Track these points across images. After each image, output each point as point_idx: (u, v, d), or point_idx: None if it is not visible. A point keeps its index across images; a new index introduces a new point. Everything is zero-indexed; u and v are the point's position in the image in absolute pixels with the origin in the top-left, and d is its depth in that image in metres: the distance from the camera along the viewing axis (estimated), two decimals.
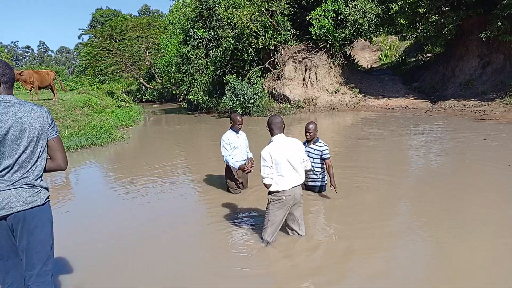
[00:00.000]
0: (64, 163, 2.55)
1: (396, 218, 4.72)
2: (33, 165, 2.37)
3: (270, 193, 3.94)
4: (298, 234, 4.13)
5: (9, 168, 2.29)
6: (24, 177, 2.34)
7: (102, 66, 37.79)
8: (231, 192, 5.95)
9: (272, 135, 3.97)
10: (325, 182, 5.67)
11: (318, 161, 5.50)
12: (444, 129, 11.27)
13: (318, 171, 5.55)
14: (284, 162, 3.81)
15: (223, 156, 5.81)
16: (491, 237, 4.00)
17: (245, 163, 5.81)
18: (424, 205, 5.01)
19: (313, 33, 18.27)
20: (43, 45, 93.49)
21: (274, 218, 3.94)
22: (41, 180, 2.44)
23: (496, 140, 8.97)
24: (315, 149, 5.49)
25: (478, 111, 13.53)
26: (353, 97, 18.76)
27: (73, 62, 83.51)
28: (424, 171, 7.09)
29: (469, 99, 15.34)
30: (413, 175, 6.77)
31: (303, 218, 4.17)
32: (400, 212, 4.97)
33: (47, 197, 2.48)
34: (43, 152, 2.42)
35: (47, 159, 2.48)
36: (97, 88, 30.50)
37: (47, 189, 2.50)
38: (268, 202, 3.97)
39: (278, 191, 3.85)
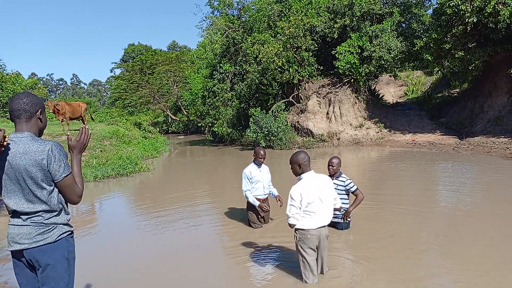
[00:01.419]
0: (75, 200, 2.46)
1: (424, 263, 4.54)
2: (45, 203, 2.36)
3: (296, 230, 3.82)
4: (322, 272, 3.99)
5: (22, 205, 2.34)
6: (37, 215, 2.37)
7: (131, 99, 39.11)
8: (252, 226, 5.89)
9: (299, 173, 3.81)
10: (349, 219, 5.56)
11: (342, 196, 5.40)
12: (473, 166, 10.94)
13: (343, 208, 5.43)
14: (316, 200, 3.69)
15: (243, 190, 5.81)
16: None
17: (265, 200, 5.80)
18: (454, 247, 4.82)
19: (338, 67, 18.43)
20: (76, 78, 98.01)
21: (302, 258, 3.80)
22: (58, 216, 2.43)
23: None
24: (338, 185, 5.42)
25: (508, 148, 13.11)
26: (377, 132, 18.58)
27: (104, 94, 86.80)
28: (451, 209, 6.85)
29: (498, 136, 14.91)
30: (441, 213, 6.54)
31: (327, 258, 4.04)
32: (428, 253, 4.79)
33: (64, 233, 2.46)
34: (50, 192, 2.38)
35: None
36: (125, 119, 31.42)
37: (67, 225, 2.49)
38: (295, 240, 3.84)
39: (303, 229, 3.72)
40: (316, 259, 3.92)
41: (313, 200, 3.66)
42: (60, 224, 2.45)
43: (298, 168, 3.80)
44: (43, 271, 2.39)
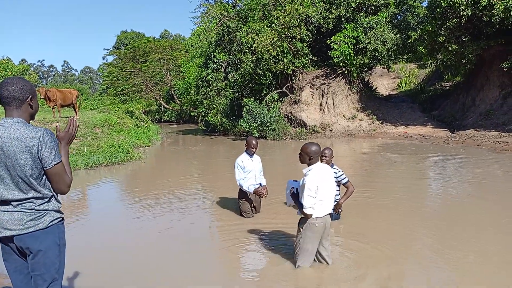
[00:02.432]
0: (64, 189, 2.45)
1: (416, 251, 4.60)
2: (35, 190, 2.36)
3: (302, 220, 3.90)
4: (327, 262, 4.05)
5: (13, 191, 2.33)
6: (28, 202, 2.36)
7: (124, 87, 38.72)
8: (244, 216, 5.91)
9: (310, 163, 3.87)
10: (340, 210, 5.60)
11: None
12: (463, 159, 11.06)
13: (335, 199, 5.47)
14: (326, 189, 3.81)
15: (237, 179, 5.81)
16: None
17: (259, 187, 5.79)
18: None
19: (333, 57, 18.38)
20: (67, 65, 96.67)
21: (305, 246, 3.89)
22: (49, 203, 2.43)
23: None
24: None
25: (498, 142, 13.25)
26: (370, 124, 18.66)
27: (96, 81, 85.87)
28: (442, 200, 6.93)
29: (489, 130, 15.06)
30: (431, 204, 6.62)
31: (330, 248, 4.12)
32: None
33: (55, 220, 2.46)
34: (41, 178, 2.37)
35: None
36: (117, 107, 31.18)
37: (58, 211, 2.49)
38: (299, 230, 3.92)
39: (312, 218, 3.80)
40: (323, 248, 4.03)
41: (323, 189, 3.78)
42: (51, 210, 2.44)
43: (308, 159, 3.87)
44: (34, 257, 2.38)
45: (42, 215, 2.39)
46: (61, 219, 2.52)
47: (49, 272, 2.42)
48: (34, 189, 2.35)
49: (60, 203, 2.52)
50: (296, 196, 3.97)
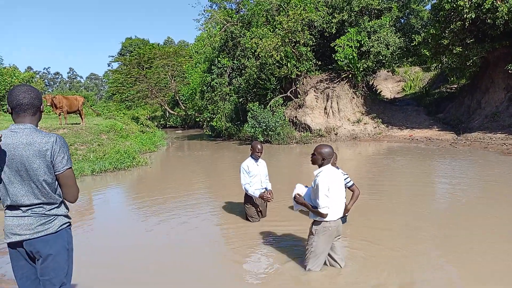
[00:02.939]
0: (73, 198, 2.50)
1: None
2: (47, 195, 2.38)
3: (315, 223, 3.92)
4: (340, 265, 4.06)
5: (23, 197, 2.35)
6: (39, 207, 2.38)
7: (129, 93, 39.02)
8: (249, 220, 5.92)
9: (322, 165, 3.92)
10: (347, 214, 5.59)
11: None
12: (470, 162, 11.00)
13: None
14: (337, 192, 3.85)
15: (242, 184, 5.84)
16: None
17: (264, 192, 5.81)
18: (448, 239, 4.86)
19: (337, 60, 18.40)
20: (72, 72, 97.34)
21: (317, 249, 3.90)
22: (59, 208, 2.46)
23: None
24: None
25: (505, 144, 13.17)
26: (375, 127, 18.63)
27: (102, 88, 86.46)
28: (448, 204, 6.90)
29: (495, 132, 14.98)
30: (437, 207, 6.59)
31: (343, 250, 4.14)
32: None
33: (65, 224, 2.49)
34: (52, 183, 2.40)
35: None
36: (123, 113, 31.36)
37: (66, 216, 2.52)
38: (312, 233, 3.93)
39: (325, 221, 3.83)
40: (335, 251, 4.05)
41: (335, 192, 3.82)
42: (60, 215, 2.48)
43: (320, 160, 3.91)
44: (44, 261, 2.41)
45: (52, 220, 2.42)
46: (69, 223, 2.56)
47: (58, 276, 2.44)
48: (46, 194, 2.38)
49: (68, 208, 2.56)
50: (302, 201, 3.99)
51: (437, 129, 17.50)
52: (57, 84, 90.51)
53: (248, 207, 5.93)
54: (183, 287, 3.93)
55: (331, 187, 3.77)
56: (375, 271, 4.04)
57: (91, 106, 29.86)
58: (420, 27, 19.45)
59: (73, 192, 2.48)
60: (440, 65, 19.39)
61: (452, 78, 23.41)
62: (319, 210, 3.77)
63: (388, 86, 28.29)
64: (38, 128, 2.49)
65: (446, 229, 5.30)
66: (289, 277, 4.00)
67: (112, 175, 11.10)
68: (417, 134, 17.21)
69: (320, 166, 3.93)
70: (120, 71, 45.58)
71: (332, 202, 3.78)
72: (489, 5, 13.80)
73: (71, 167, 2.45)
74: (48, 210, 2.41)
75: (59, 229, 2.45)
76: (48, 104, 15.80)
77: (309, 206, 3.91)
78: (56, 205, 2.45)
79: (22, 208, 2.37)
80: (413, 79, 27.67)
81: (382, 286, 3.71)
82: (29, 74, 32.95)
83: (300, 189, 4.14)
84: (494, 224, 5.42)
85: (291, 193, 4.21)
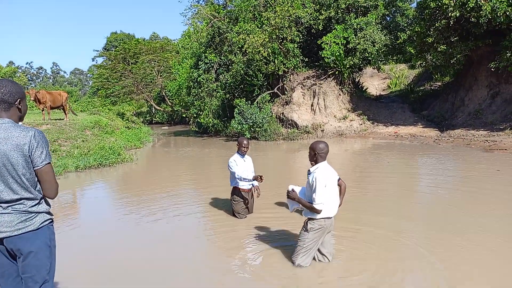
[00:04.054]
0: (52, 194, 2.44)
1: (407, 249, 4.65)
2: (27, 191, 2.34)
3: (311, 221, 3.93)
4: (328, 260, 4.10)
5: (2, 192, 2.30)
6: (19, 203, 2.34)
7: (114, 88, 38.47)
8: (237, 217, 5.91)
9: (316, 160, 3.95)
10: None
11: None
12: (453, 158, 11.19)
13: None
14: (332, 189, 3.89)
15: (234, 173, 5.72)
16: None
17: (250, 189, 5.83)
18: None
19: (324, 57, 18.47)
20: (56, 66, 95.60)
21: (309, 246, 3.94)
22: (40, 205, 2.42)
23: (508, 171, 8.87)
24: None
25: (487, 141, 13.43)
26: (361, 124, 18.80)
27: (86, 83, 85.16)
28: (431, 197, 7.01)
29: (478, 129, 15.26)
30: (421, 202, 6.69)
31: (332, 244, 4.20)
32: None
33: (46, 221, 2.45)
34: (31, 179, 2.35)
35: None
36: (108, 109, 30.95)
37: (48, 213, 2.48)
38: (305, 230, 3.95)
39: (321, 218, 3.86)
40: (326, 246, 4.11)
41: (331, 188, 3.86)
42: (42, 212, 2.43)
43: (313, 156, 3.96)
44: (25, 259, 2.37)
45: (33, 217, 2.38)
46: (51, 220, 2.51)
47: (40, 273, 2.40)
48: (26, 189, 2.33)
49: (50, 205, 2.52)
50: (296, 196, 4.00)
51: (421, 126, 17.75)
52: (41, 79, 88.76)
53: (235, 203, 5.91)
54: (169, 285, 3.90)
55: (328, 184, 3.80)
56: (362, 265, 4.08)
57: (74, 102, 29.36)
58: (405, 25, 19.64)
59: (52, 188, 2.43)
60: (424, 62, 19.63)
61: (436, 76, 23.74)
62: (314, 205, 3.79)
63: (374, 84, 28.54)
64: (21, 124, 2.44)
65: (432, 223, 5.38)
66: (278, 272, 4.01)
67: (97, 172, 10.96)
68: (402, 131, 17.43)
69: (315, 162, 3.96)
70: (105, 66, 44.87)
71: (327, 199, 3.81)
72: (473, 4, 14.01)
73: (49, 162, 2.39)
74: (30, 207, 2.36)
75: (40, 226, 2.40)
76: (31, 99, 15.50)
77: (303, 201, 3.93)
78: (37, 202, 2.40)
79: (2, 204, 2.32)
80: (398, 76, 27.96)
81: (370, 280, 3.75)
82: (11, 68, 32.29)
83: (294, 189, 4.14)
84: (480, 219, 5.53)
85: (278, 190, 4.22)
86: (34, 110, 23.80)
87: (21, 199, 2.33)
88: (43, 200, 2.45)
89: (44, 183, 2.39)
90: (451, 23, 15.04)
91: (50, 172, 2.40)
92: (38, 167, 2.34)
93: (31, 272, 2.38)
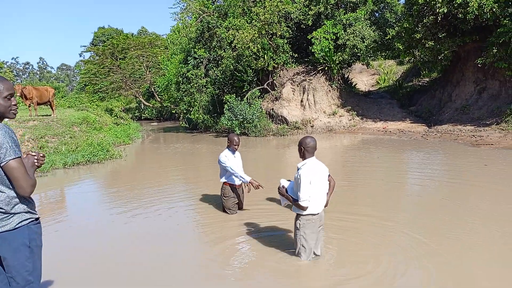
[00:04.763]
0: (23, 191, 2.30)
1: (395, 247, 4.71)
2: (1, 191, 2.29)
3: (298, 218, 3.95)
4: (316, 254, 4.11)
5: None
6: None
7: (102, 84, 38.01)
8: (227, 213, 5.91)
9: (305, 157, 3.95)
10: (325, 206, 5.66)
11: None
12: (441, 153, 11.34)
13: None
14: (319, 185, 3.88)
15: (227, 168, 5.68)
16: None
17: (240, 185, 5.85)
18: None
19: (314, 52, 18.50)
20: (43, 61, 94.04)
21: (306, 243, 3.95)
22: (16, 205, 2.35)
23: (495, 165, 9.03)
24: None
25: (474, 136, 13.63)
26: (350, 120, 18.91)
27: (73, 79, 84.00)
28: (418, 189, 7.10)
29: (465, 124, 15.47)
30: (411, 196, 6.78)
31: (322, 238, 4.22)
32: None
33: (25, 220, 2.38)
34: (5, 178, 2.29)
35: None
36: (96, 105, 30.59)
37: (28, 212, 2.40)
38: (297, 228, 3.96)
39: (309, 214, 3.87)
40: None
41: (317, 184, 3.85)
42: (19, 211, 2.36)
43: (301, 151, 3.98)
44: (4, 259, 2.33)
45: (10, 216, 2.32)
46: (33, 219, 2.43)
47: (20, 274, 2.35)
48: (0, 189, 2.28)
49: (33, 203, 2.45)
50: (284, 193, 4.02)
51: (409, 122, 17.92)
52: (27, 74, 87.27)
53: (226, 199, 5.91)
54: (160, 283, 3.89)
55: (313, 180, 3.80)
56: (353, 259, 4.13)
57: (61, 98, 28.95)
58: (394, 21, 19.75)
59: (22, 185, 2.28)
60: (413, 58, 19.80)
61: (424, 72, 23.96)
62: (299, 203, 3.80)
63: (363, 79, 28.69)
64: (5, 120, 2.39)
65: (421, 216, 5.45)
66: (269, 268, 4.03)
67: (85, 168, 10.85)
68: (390, 126, 17.57)
69: (303, 158, 3.96)
70: (93, 62, 44.28)
71: (313, 195, 3.81)
72: (460, 0, 14.15)
73: (14, 158, 2.25)
74: (5, 205, 2.30)
75: (18, 225, 2.34)
76: (18, 95, 15.24)
77: (290, 199, 3.94)
78: (14, 201, 2.33)
79: None
80: (387, 72, 28.15)
81: (360, 273, 3.79)
82: None
83: (284, 183, 4.16)
84: (466, 212, 5.62)
85: (268, 185, 4.23)
86: (21, 106, 23.42)
87: None
88: (22, 198, 2.37)
89: (13, 180, 2.28)
90: (439, 19, 15.18)
91: (18, 168, 2.26)
92: (3, 163, 2.25)
93: (12, 273, 2.35)
